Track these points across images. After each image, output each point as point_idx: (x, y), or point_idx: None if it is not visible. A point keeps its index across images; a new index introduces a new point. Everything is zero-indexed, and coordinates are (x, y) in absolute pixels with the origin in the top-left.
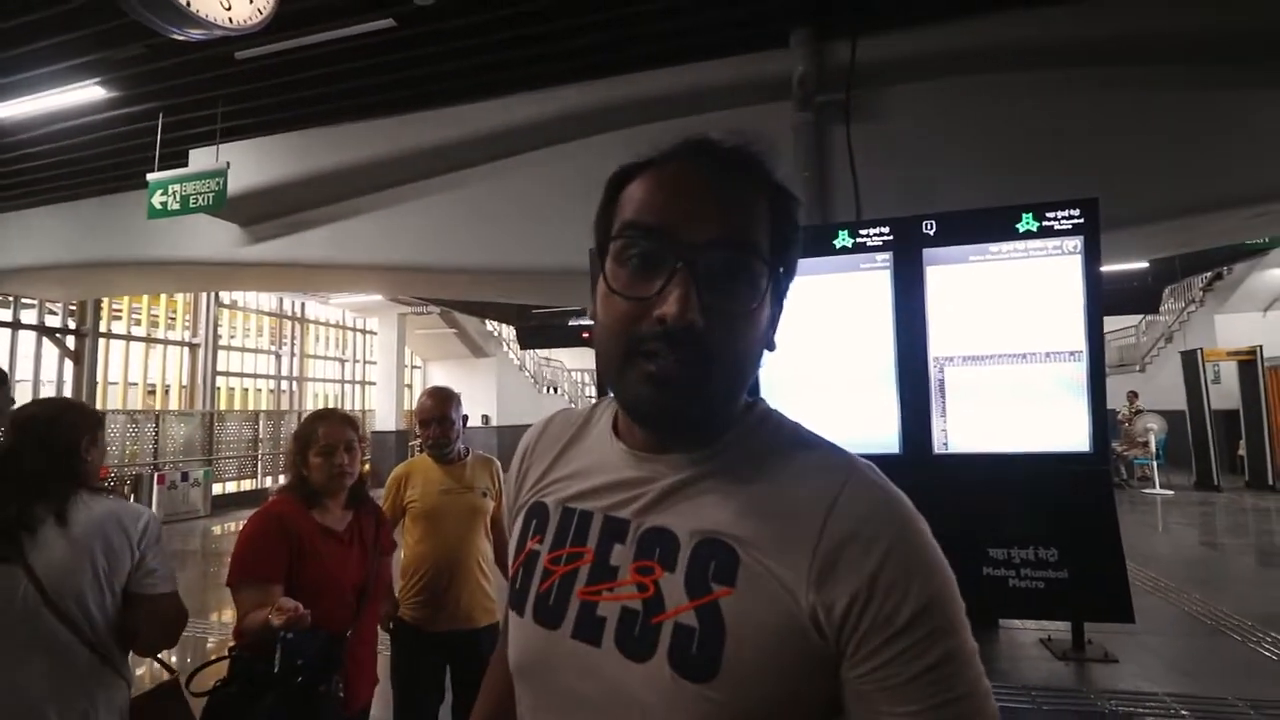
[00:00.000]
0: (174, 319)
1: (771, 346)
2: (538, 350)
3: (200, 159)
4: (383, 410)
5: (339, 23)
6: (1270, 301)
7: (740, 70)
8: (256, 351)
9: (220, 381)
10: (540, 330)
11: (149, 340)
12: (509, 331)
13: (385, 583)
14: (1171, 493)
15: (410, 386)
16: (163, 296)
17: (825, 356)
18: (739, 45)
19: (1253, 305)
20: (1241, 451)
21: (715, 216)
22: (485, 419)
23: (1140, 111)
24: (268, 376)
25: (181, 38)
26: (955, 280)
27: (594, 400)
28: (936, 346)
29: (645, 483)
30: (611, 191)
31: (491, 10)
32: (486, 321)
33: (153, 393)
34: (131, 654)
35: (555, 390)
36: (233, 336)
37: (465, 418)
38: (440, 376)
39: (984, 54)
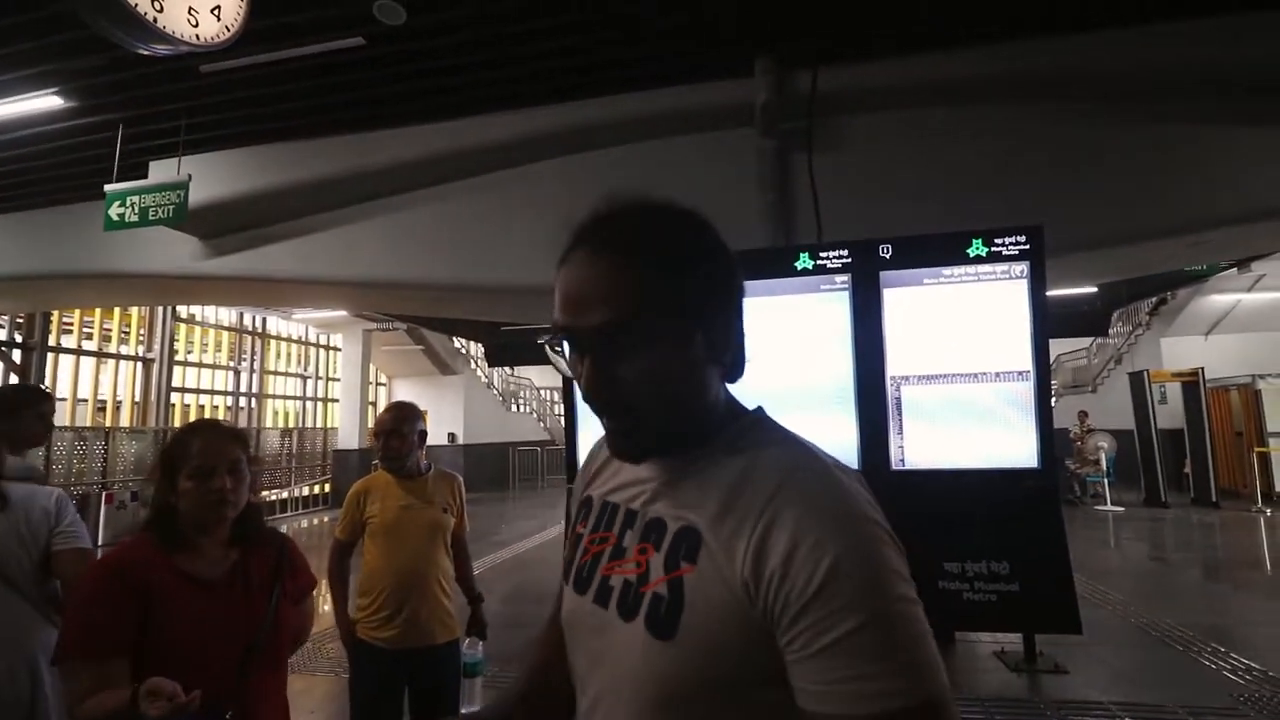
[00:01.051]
0: (128, 333)
1: (730, 366)
2: (506, 368)
3: (160, 171)
4: (346, 428)
5: (308, 40)
6: (1211, 325)
7: (707, 96)
8: (215, 367)
9: (175, 398)
10: (509, 348)
11: (100, 355)
12: (477, 349)
13: (293, 637)
14: (1122, 509)
15: (374, 404)
16: (116, 310)
17: (787, 374)
18: (706, 72)
19: (1195, 329)
20: (1187, 469)
21: (595, 303)
22: (451, 437)
23: (1085, 144)
24: (226, 393)
25: (147, 53)
26: (911, 302)
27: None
28: (893, 366)
29: (648, 480)
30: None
31: (460, 32)
32: (454, 338)
33: (103, 409)
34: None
35: (519, 406)
36: (190, 352)
37: (424, 433)
38: (406, 394)
39: (938, 87)
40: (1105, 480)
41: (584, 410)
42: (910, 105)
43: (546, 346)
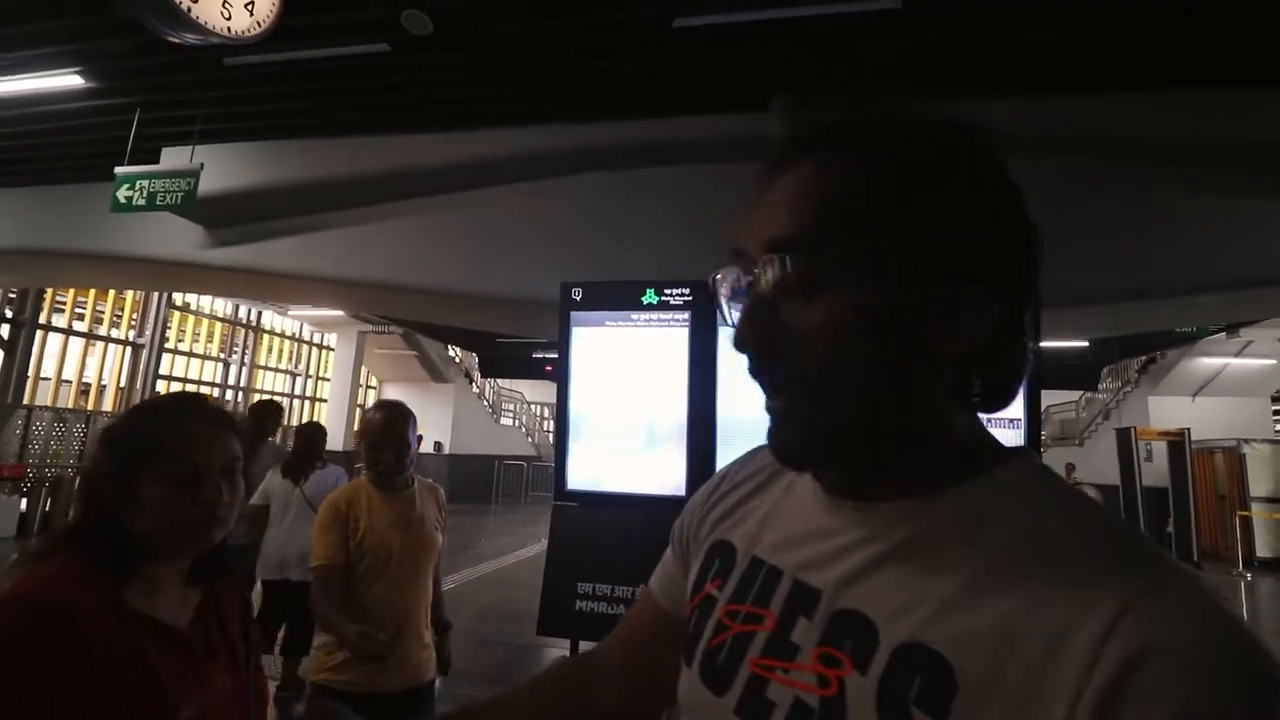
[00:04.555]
0: (119, 316)
1: (994, 385)
2: (499, 380)
3: (173, 157)
4: (332, 429)
5: (335, 42)
6: (1198, 387)
7: (718, 127)
8: (205, 357)
9: (161, 385)
10: (504, 360)
11: (89, 336)
12: (471, 358)
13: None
14: None
15: (363, 407)
16: (110, 292)
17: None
18: (718, 104)
19: (1183, 390)
20: (1170, 528)
21: (758, 217)
22: (438, 446)
23: (1082, 202)
24: (213, 384)
25: (176, 40)
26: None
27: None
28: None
29: (841, 537)
30: None
31: (480, 47)
32: (449, 346)
33: (86, 392)
34: None
35: (508, 420)
36: (181, 340)
37: (420, 438)
38: (395, 398)
39: None
40: None
41: (576, 426)
42: None
43: (712, 283)
